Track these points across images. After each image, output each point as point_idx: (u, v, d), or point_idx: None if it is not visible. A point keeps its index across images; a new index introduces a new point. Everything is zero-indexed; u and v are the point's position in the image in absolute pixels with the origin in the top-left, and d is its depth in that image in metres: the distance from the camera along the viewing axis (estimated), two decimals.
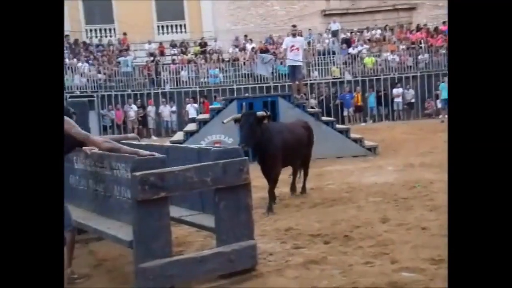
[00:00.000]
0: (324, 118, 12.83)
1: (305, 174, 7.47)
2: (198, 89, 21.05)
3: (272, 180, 6.58)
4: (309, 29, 23.26)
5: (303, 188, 7.41)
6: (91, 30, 24.71)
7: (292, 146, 6.74)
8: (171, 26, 25.19)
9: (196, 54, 22.67)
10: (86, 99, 7.13)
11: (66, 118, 3.71)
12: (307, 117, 11.22)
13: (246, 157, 4.03)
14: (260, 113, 6.23)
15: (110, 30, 24.80)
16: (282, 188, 7.36)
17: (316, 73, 21.49)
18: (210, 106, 14.34)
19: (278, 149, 6.43)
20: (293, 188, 7.39)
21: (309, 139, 7.33)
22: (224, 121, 7.30)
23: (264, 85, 20.51)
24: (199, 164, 3.88)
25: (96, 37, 24.22)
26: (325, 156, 10.70)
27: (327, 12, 25.18)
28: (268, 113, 6.35)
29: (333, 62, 21.72)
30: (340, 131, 11.80)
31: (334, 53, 21.97)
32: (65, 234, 4.15)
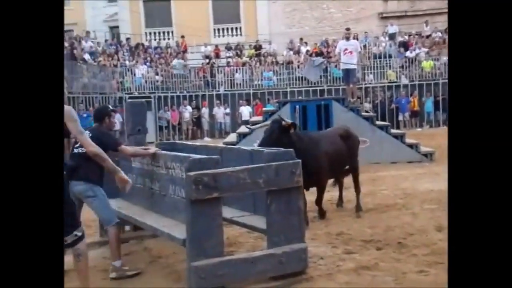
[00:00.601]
0: (379, 122, 12.61)
1: (357, 191, 6.62)
2: (252, 91, 21.22)
3: (319, 191, 6.10)
4: (365, 32, 22.94)
5: (357, 207, 6.49)
6: (150, 33, 25.44)
7: (333, 156, 6.08)
8: (227, 29, 25.54)
9: (250, 57, 22.87)
10: (144, 100, 7.34)
11: (68, 110, 3.62)
12: (361, 121, 11.10)
13: (299, 160, 4.03)
14: (285, 121, 5.78)
15: (168, 33, 25.44)
16: (334, 192, 7.29)
17: (371, 76, 21.16)
18: (264, 109, 14.41)
19: (320, 158, 5.88)
20: (339, 203, 6.90)
21: (349, 147, 6.45)
22: (253, 127, 7.19)
23: (318, 88, 20.40)
24: (251, 166, 3.92)
25: (155, 39, 24.91)
26: (379, 161, 10.52)
27: (384, 15, 24.74)
28: (291, 122, 5.83)
29: (390, 65, 21.32)
30: (395, 136, 11.56)
31: (390, 56, 21.56)
32: (110, 229, 4.34)
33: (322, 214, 6.21)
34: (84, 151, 4.17)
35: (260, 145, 5.48)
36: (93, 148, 3.75)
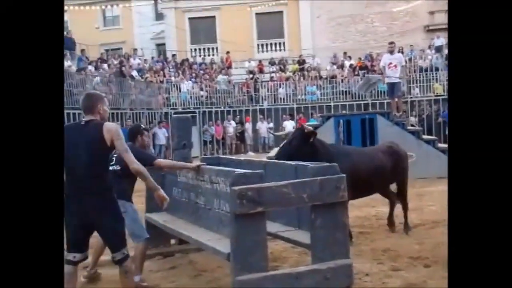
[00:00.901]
0: (425, 136, 12.34)
1: (404, 208, 6.22)
2: (295, 106, 21.23)
3: None
4: (411, 45, 22.59)
5: (405, 225, 6.16)
6: (195, 50, 25.96)
7: (365, 173, 5.62)
8: (271, 44, 25.73)
9: (294, 72, 22.92)
10: (189, 115, 7.49)
11: (115, 128, 3.61)
12: (406, 136, 10.90)
13: (344, 175, 3.99)
14: (307, 128, 5.55)
15: (213, 49, 25.89)
16: (380, 207, 7.17)
17: (417, 90, 20.76)
18: (307, 123, 14.38)
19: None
20: (389, 223, 6.33)
21: (394, 165, 5.98)
22: (276, 133, 7.00)
23: (362, 102, 20.19)
24: (296, 180, 3.91)
25: (200, 56, 25.38)
26: (426, 176, 10.27)
27: (430, 27, 24.32)
28: (312, 130, 5.54)
29: (436, 78, 20.87)
30: (443, 151, 11.28)
31: (437, 69, 21.11)
32: (138, 244, 4.43)
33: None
34: (118, 168, 4.35)
35: (279, 152, 5.38)
36: (137, 165, 3.64)
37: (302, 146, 5.31)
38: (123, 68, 19.42)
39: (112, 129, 3.51)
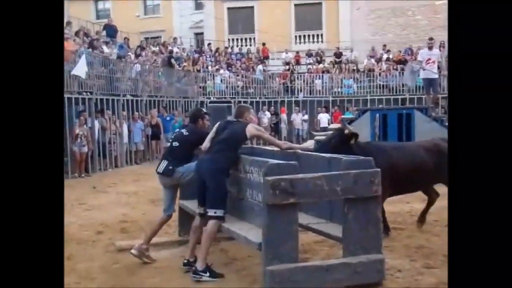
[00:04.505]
0: None
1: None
2: (331, 98, 21.06)
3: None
4: None
5: None
6: (233, 40, 26.03)
7: (403, 170, 5.44)
8: (309, 35, 25.55)
9: (333, 65, 22.68)
10: (225, 104, 7.53)
11: (257, 126, 4.94)
12: (445, 132, 10.65)
13: (379, 169, 3.95)
14: (348, 129, 5.47)
15: (250, 39, 25.90)
16: (414, 203, 7.06)
17: None
18: (342, 116, 14.25)
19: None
20: (420, 219, 6.12)
21: (437, 162, 5.65)
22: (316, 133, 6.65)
23: (400, 96, 19.85)
24: (329, 173, 3.90)
25: (237, 46, 25.44)
26: None
27: None
28: (352, 131, 5.39)
29: None
30: None
31: None
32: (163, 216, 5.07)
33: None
34: (177, 145, 4.95)
35: (317, 150, 5.29)
36: (282, 143, 5.14)
37: (340, 146, 5.17)
38: (172, 59, 19.45)
39: (255, 127, 4.82)
